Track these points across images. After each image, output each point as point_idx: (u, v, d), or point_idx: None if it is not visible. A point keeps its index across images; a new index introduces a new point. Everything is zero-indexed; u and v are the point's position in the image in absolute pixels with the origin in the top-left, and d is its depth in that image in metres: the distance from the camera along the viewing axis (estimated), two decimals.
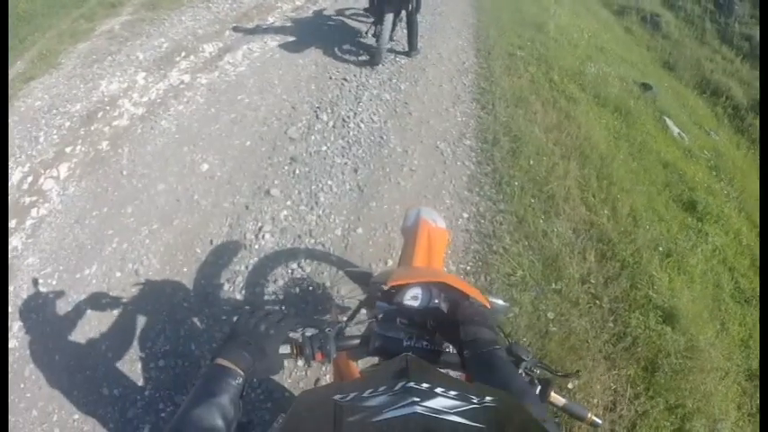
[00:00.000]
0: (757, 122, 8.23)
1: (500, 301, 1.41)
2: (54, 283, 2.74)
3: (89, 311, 2.57)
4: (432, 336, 1.09)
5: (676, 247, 3.49)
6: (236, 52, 5.00)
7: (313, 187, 3.31)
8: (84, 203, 3.20)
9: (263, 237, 2.97)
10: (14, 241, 2.98)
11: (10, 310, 2.62)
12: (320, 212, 3.14)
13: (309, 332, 1.03)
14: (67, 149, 3.63)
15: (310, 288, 2.69)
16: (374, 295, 1.23)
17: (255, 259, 2.84)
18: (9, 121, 3.91)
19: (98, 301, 2.62)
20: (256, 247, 2.91)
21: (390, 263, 2.87)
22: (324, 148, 3.64)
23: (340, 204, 3.21)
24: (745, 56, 10.23)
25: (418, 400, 0.62)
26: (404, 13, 4.68)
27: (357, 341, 1.09)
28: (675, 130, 6.34)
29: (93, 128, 3.84)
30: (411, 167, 3.58)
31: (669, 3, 11.92)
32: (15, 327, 2.54)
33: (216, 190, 3.29)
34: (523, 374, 0.97)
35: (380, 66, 4.77)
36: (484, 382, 0.84)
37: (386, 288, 1.16)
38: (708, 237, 3.88)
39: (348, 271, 2.13)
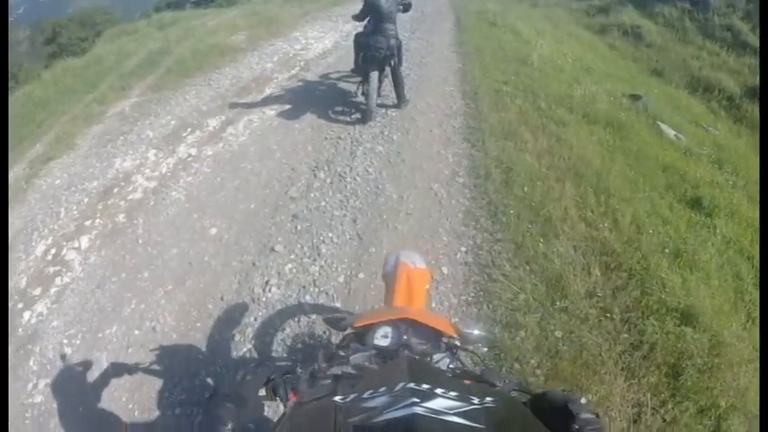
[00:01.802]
0: (754, 109, 8.12)
1: (476, 331, 1.38)
2: (78, 342, 2.93)
3: (110, 368, 2.72)
4: None
5: (686, 246, 3.41)
6: (237, 124, 5.29)
7: (315, 240, 3.43)
8: (104, 271, 3.41)
9: (270, 290, 3.09)
10: (40, 307, 3.20)
11: (36, 368, 2.82)
12: (323, 263, 3.25)
13: (283, 375, 1.05)
14: (87, 223, 3.90)
15: (314, 333, 2.77)
16: (348, 336, 1.29)
17: (264, 311, 2.95)
18: (31, 198, 4.26)
19: (118, 359, 2.77)
20: (264, 299, 3.03)
21: None
22: (323, 203, 3.79)
23: (341, 253, 3.31)
24: (730, 46, 10.24)
25: (418, 400, 0.63)
26: (388, 69, 4.88)
27: (329, 381, 1.08)
28: (671, 132, 6.28)
29: (109, 202, 4.12)
30: (407, 211, 3.68)
31: (647, 12, 12.06)
32: (41, 384, 2.72)
33: (224, 251, 3.46)
34: None
35: (372, 121, 4.97)
36: None
37: (353, 329, 1.21)
38: (717, 230, 3.80)
39: (326, 318, 2.16)
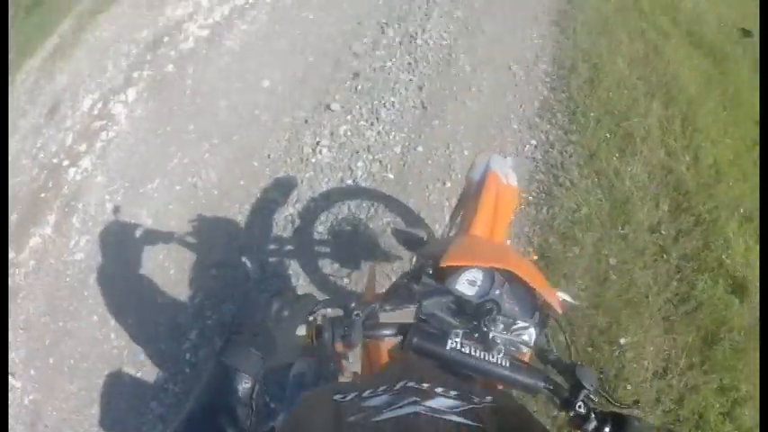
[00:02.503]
0: None
1: (568, 298, 1.22)
2: (119, 198, 2.91)
3: (149, 224, 2.74)
4: (484, 335, 0.85)
5: (759, 214, 3.10)
6: None
7: (375, 103, 3.14)
8: (150, 124, 3.28)
9: (321, 151, 2.91)
10: (85, 163, 3.15)
11: (79, 225, 2.84)
12: (380, 129, 3.00)
13: (333, 314, 0.83)
14: (135, 74, 3.67)
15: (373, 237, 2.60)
16: (422, 270, 1.01)
17: (311, 173, 2.80)
18: (78, 53, 4.06)
19: (158, 214, 2.78)
20: (313, 161, 2.86)
21: (449, 184, 2.72)
22: (389, 63, 3.42)
23: (401, 121, 3.05)
24: None
25: (418, 399, 0.62)
26: None
27: (391, 331, 0.85)
28: None
29: (159, 52, 3.84)
30: (479, 88, 3.32)
31: None
32: (83, 240, 2.76)
33: (277, 104, 3.22)
34: (581, 405, 0.77)
35: None
36: None
37: (439, 265, 0.96)
38: None
39: (396, 230, 1.79)
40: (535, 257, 2.51)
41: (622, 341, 2.26)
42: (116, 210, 2.82)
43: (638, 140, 3.19)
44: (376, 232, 2.57)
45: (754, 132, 4.13)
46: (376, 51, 3.51)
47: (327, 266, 2.50)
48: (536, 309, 0.98)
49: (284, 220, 2.65)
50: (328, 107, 3.14)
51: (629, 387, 2.15)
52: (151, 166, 3.02)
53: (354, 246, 2.55)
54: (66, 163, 3.17)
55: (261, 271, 2.51)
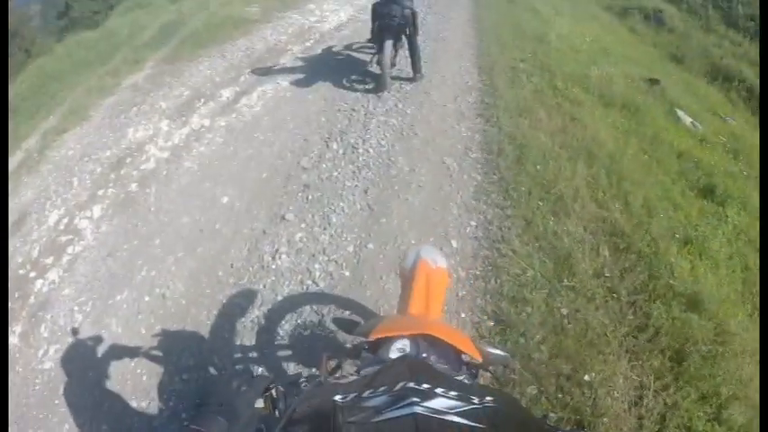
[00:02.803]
0: None
1: (498, 351, 1.33)
2: (88, 309, 2.93)
3: (119, 333, 2.75)
4: None
5: (696, 233, 3.36)
6: (251, 95, 5.23)
7: (326, 210, 3.41)
8: (116, 239, 3.40)
9: (280, 257, 3.07)
10: (52, 275, 3.20)
11: (47, 335, 2.83)
12: (333, 232, 3.23)
13: (283, 387, 0.96)
14: (100, 192, 3.88)
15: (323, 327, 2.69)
16: (360, 347, 1.16)
17: (272, 278, 2.94)
18: (44, 169, 4.26)
19: (128, 325, 2.79)
20: (273, 267, 3.02)
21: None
22: (335, 173, 3.76)
23: (351, 223, 3.30)
24: (752, 37, 9.98)
25: (418, 400, 0.62)
26: (404, 39, 4.87)
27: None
28: (688, 119, 6.12)
29: (122, 172, 4.10)
30: (419, 184, 3.64)
31: None
32: (52, 350, 2.73)
33: (235, 219, 3.44)
34: None
35: (387, 93, 4.90)
36: None
37: (369, 339, 1.09)
38: (728, 219, 3.73)
39: (336, 319, 2.05)
40: (491, 324, 2.63)
41: (587, 378, 2.32)
42: (85, 320, 2.84)
43: (569, 201, 3.45)
44: (333, 327, 2.64)
45: (677, 166, 4.46)
46: (322, 164, 3.87)
47: (291, 366, 2.53)
48: (462, 363, 1.11)
49: (251, 323, 2.71)
50: (283, 218, 3.37)
51: (605, 420, 2.18)
52: (119, 278, 3.07)
53: (317, 341, 2.60)
54: (32, 275, 3.22)
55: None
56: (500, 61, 5.82)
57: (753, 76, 8.76)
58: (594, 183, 3.74)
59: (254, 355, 2.57)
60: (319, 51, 6.34)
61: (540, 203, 3.45)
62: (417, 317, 1.34)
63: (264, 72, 5.78)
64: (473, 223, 3.31)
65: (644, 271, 2.94)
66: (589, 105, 5.12)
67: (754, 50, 9.55)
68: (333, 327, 2.57)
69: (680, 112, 6.21)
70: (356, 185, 3.62)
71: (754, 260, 3.44)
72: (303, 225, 3.32)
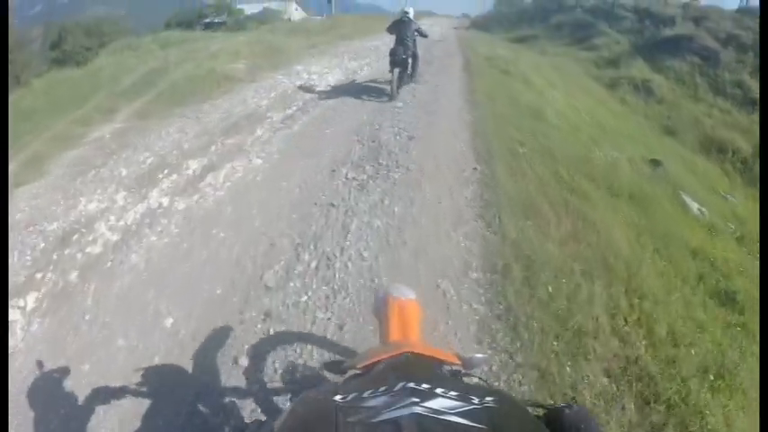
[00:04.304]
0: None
1: (477, 355, 1.27)
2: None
3: None
4: None
5: (724, 361, 2.93)
6: (218, 172, 4.54)
7: (289, 353, 2.56)
8: (45, 348, 2.73)
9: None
10: None
11: None
12: (296, 389, 2.37)
13: None
14: (38, 275, 3.27)
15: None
16: (351, 378, 1.12)
17: None
18: None
19: None
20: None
21: None
22: (304, 298, 2.91)
23: (321, 378, 2.42)
24: (741, 103, 10.24)
25: (418, 400, 0.62)
26: (406, 73, 7.07)
27: None
28: (694, 206, 6.04)
29: (66, 252, 3.51)
30: None
31: (657, 66, 11.72)
32: None
33: (179, 352, 2.62)
34: None
35: (372, 183, 4.16)
36: None
37: (355, 370, 1.08)
38: (755, 335, 3.40)
39: (325, 364, 1.87)
40: None
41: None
42: None
43: (589, 338, 2.81)
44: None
45: (694, 268, 4.19)
46: (290, 282, 3.03)
47: None
48: (443, 370, 1.13)
49: None
50: (236, 361, 2.53)
51: None
52: (38, 409, 2.38)
53: None
54: None
55: None
56: (498, 143, 5.18)
57: (745, 145, 8.93)
58: (614, 307, 3.15)
59: None
60: (300, 123, 5.70)
61: (555, 344, 2.73)
62: (399, 342, 1.30)
63: (238, 144, 5.09)
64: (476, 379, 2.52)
65: (676, 425, 2.43)
66: (596, 198, 4.60)
67: (743, 119, 9.76)
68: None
69: (685, 198, 6.15)
70: (329, 318, 2.77)
71: None
72: (259, 375, 2.47)
